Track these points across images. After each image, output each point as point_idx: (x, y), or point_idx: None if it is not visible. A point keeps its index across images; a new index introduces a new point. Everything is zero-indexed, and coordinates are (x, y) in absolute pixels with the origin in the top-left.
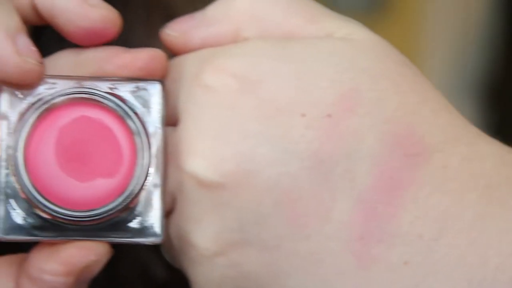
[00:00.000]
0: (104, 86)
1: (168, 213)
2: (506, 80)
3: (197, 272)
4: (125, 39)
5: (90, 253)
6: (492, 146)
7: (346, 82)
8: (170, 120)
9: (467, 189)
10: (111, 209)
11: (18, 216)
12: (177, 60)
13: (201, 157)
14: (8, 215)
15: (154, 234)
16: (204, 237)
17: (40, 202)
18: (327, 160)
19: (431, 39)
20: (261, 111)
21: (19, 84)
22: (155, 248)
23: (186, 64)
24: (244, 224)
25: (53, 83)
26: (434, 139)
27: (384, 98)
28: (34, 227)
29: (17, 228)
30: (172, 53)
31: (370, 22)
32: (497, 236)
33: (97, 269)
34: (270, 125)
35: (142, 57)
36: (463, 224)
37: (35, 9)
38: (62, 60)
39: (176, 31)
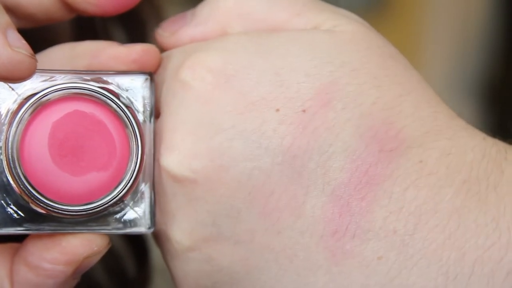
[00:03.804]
0: (96, 81)
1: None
2: (506, 80)
3: (175, 266)
4: None
5: (92, 244)
6: (475, 139)
7: (325, 76)
8: (157, 113)
9: (443, 184)
10: (106, 203)
11: (12, 209)
12: (164, 55)
13: (175, 152)
14: (1, 209)
15: (145, 225)
16: (179, 231)
17: (36, 197)
18: (300, 156)
19: (431, 39)
20: (235, 106)
21: (11, 77)
22: (127, 241)
23: (171, 58)
24: (217, 218)
25: (45, 78)
26: (413, 132)
27: (362, 92)
28: (29, 220)
29: (12, 222)
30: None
31: (370, 22)
32: (474, 230)
33: (96, 260)
34: (243, 119)
35: (136, 49)
36: (439, 218)
37: None
38: (57, 54)
39: (167, 31)
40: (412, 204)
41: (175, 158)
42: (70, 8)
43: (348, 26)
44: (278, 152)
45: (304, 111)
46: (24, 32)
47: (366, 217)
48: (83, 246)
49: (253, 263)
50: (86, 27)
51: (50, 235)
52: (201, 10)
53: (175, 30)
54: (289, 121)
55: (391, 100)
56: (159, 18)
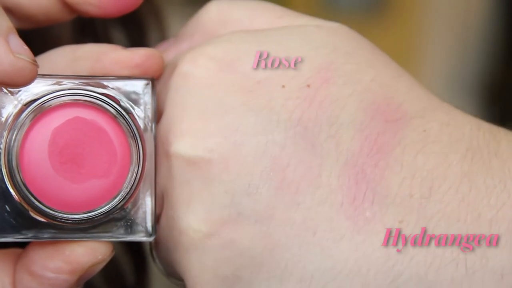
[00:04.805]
0: (97, 86)
1: (157, 217)
2: (506, 80)
3: (191, 260)
4: None
5: (96, 253)
6: (468, 116)
7: (321, 57)
8: (159, 118)
9: (449, 150)
10: (107, 210)
11: (11, 216)
12: (167, 63)
13: (186, 136)
14: (0, 216)
15: (146, 232)
16: (195, 219)
17: (35, 206)
18: (310, 127)
19: (431, 40)
20: (242, 85)
21: (12, 84)
22: (125, 247)
23: (169, 63)
24: (235, 197)
25: (46, 83)
26: (412, 107)
27: (359, 70)
28: (28, 227)
29: (11, 229)
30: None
31: (370, 22)
32: (485, 191)
33: (100, 268)
34: (252, 97)
35: (140, 54)
36: (451, 182)
37: None
38: (58, 56)
39: None
40: (423, 170)
41: (188, 141)
42: (71, 9)
43: (332, 23)
44: (290, 125)
45: (308, 86)
46: (24, 33)
47: (382, 183)
48: (87, 254)
49: (275, 241)
50: (86, 27)
51: (52, 243)
52: (185, 28)
53: (161, 51)
54: (296, 95)
55: (386, 79)
56: (158, 18)
